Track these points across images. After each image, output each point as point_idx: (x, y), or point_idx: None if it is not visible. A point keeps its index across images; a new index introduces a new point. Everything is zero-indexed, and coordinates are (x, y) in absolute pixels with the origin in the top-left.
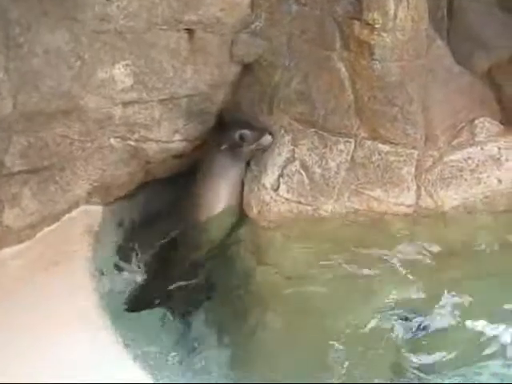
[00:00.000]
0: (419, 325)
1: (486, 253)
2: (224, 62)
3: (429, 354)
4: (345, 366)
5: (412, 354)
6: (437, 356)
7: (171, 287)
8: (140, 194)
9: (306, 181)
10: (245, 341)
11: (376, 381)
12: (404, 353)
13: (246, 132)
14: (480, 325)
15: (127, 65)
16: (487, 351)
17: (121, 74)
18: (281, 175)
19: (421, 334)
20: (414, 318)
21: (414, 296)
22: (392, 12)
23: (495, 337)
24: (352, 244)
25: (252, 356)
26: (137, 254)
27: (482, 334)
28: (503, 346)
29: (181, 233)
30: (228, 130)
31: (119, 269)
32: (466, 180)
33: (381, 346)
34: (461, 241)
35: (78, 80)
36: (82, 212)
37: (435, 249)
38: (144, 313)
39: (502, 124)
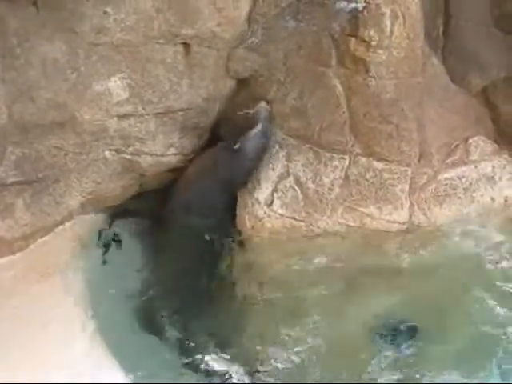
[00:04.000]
0: (407, 338)
1: (480, 269)
2: (220, 76)
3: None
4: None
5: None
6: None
7: (164, 297)
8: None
9: (300, 196)
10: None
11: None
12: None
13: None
14: (470, 334)
15: (123, 78)
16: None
17: (117, 86)
18: (275, 190)
19: (408, 349)
20: (405, 333)
21: (405, 310)
22: (388, 29)
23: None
24: (345, 260)
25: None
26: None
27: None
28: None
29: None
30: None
31: (112, 279)
32: (459, 198)
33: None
34: (452, 257)
35: (73, 92)
36: (75, 224)
37: (427, 265)
38: (137, 324)
39: (496, 143)
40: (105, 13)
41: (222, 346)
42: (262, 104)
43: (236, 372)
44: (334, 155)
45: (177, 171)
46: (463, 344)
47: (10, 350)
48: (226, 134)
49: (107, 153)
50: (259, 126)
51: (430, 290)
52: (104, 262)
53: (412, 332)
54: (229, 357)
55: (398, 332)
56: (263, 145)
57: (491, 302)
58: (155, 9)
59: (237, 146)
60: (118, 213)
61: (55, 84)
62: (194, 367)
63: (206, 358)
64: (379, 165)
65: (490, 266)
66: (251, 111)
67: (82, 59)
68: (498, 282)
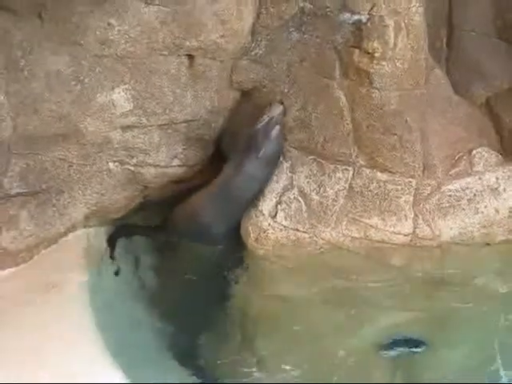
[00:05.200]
0: (412, 352)
1: (482, 282)
2: (224, 88)
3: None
4: None
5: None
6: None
7: (166, 310)
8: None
9: (304, 208)
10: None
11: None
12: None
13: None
14: (472, 351)
15: (127, 89)
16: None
17: (120, 98)
18: (279, 202)
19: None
20: (407, 345)
21: (409, 324)
22: (392, 41)
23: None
24: (349, 272)
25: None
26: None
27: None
28: None
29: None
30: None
31: (116, 292)
32: (463, 209)
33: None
34: (457, 271)
35: (77, 104)
36: (79, 235)
37: (432, 278)
38: (141, 336)
39: (500, 154)
40: (109, 24)
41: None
42: (278, 105)
43: None
44: (338, 167)
45: (181, 183)
46: (470, 359)
47: (13, 360)
48: (229, 146)
49: (111, 164)
50: (277, 128)
51: (436, 304)
52: (110, 272)
53: (419, 347)
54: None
55: (405, 347)
56: (282, 147)
57: (499, 315)
58: (159, 21)
59: (261, 154)
60: (121, 224)
61: (59, 96)
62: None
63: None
64: (383, 176)
65: (495, 279)
66: (266, 115)
67: (86, 71)
68: (504, 295)
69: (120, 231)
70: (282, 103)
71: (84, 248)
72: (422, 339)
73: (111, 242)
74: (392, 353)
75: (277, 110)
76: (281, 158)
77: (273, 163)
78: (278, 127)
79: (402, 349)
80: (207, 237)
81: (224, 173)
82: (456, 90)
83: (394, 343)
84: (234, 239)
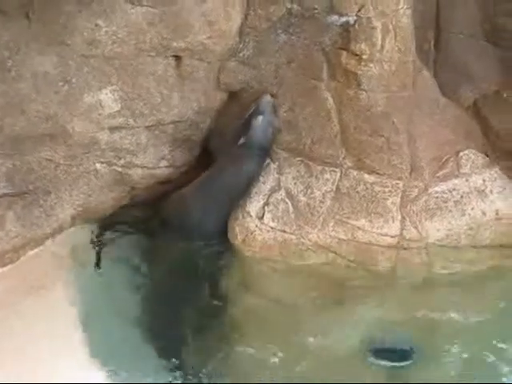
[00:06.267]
0: (401, 354)
1: (468, 284)
2: (211, 89)
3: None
4: None
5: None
6: None
7: (154, 310)
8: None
9: (291, 209)
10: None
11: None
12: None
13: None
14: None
15: (114, 90)
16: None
17: (108, 99)
18: (266, 203)
19: (402, 362)
20: (395, 347)
21: (396, 326)
22: (379, 43)
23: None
24: (335, 274)
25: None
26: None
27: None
28: None
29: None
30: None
31: (103, 293)
32: (450, 211)
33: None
34: (443, 272)
35: (65, 104)
36: (66, 236)
37: (419, 279)
38: (128, 336)
39: (487, 156)
40: (96, 25)
41: (213, 362)
42: (265, 96)
43: None
44: (326, 168)
45: (168, 184)
46: (458, 363)
47: (0, 361)
48: (216, 146)
49: (98, 165)
50: (259, 118)
51: (423, 305)
52: (97, 273)
53: (407, 352)
54: (220, 373)
55: (392, 351)
56: (271, 134)
57: (487, 318)
58: (147, 22)
59: (241, 141)
60: (107, 224)
61: (46, 96)
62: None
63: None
64: (370, 178)
65: (483, 281)
66: (253, 106)
67: (73, 71)
68: (494, 298)
69: (108, 224)
70: (272, 95)
71: (71, 249)
72: (409, 348)
73: (99, 237)
74: (378, 361)
75: (263, 100)
76: (268, 160)
77: (257, 154)
78: (260, 117)
79: (387, 360)
80: (196, 228)
81: (215, 163)
82: (443, 92)
83: (380, 351)
84: (221, 239)
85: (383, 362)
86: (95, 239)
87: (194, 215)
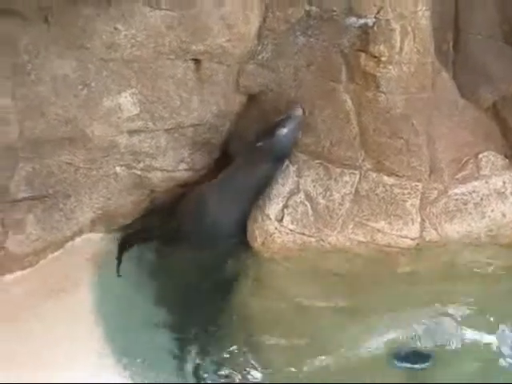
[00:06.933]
0: (420, 358)
1: (490, 286)
2: (230, 92)
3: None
4: None
5: None
6: None
7: (174, 314)
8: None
9: (310, 212)
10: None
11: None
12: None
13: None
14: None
15: (134, 93)
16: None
17: (127, 102)
18: (285, 206)
19: (421, 366)
20: (415, 353)
21: (416, 330)
22: (398, 45)
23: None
24: (355, 277)
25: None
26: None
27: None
28: None
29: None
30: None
31: (123, 296)
32: (470, 213)
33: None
34: (465, 274)
35: (84, 108)
36: (86, 239)
37: (440, 282)
38: (148, 339)
39: (506, 158)
40: (115, 29)
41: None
42: (298, 110)
43: None
44: (345, 170)
45: (187, 187)
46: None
47: (19, 364)
48: (235, 149)
49: (118, 168)
50: (284, 131)
51: (443, 307)
52: (117, 277)
53: (427, 355)
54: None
55: (414, 354)
56: (289, 149)
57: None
58: (166, 25)
59: (259, 144)
60: (127, 239)
61: (66, 100)
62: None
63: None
64: (390, 180)
65: (503, 283)
66: (283, 115)
67: (92, 75)
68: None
69: (128, 239)
70: (304, 109)
71: (91, 252)
72: (429, 352)
73: (120, 249)
74: (401, 365)
75: (295, 113)
76: (286, 162)
77: (272, 160)
78: (285, 130)
79: (409, 363)
80: (213, 229)
81: (232, 163)
82: (462, 93)
83: (403, 356)
84: (240, 241)
85: (406, 365)
86: (119, 246)
87: (211, 210)
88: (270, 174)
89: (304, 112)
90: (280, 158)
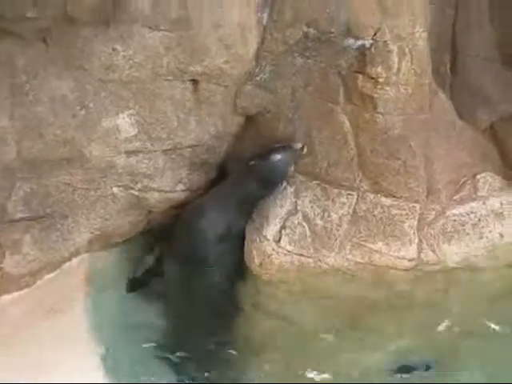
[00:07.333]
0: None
1: (491, 304)
2: (228, 113)
3: None
4: None
5: None
6: None
7: (171, 335)
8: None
9: (308, 233)
10: None
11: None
12: None
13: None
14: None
15: (131, 114)
16: None
17: (125, 123)
18: (283, 227)
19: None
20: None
21: (413, 350)
22: (396, 66)
23: None
24: (353, 297)
25: None
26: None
27: None
28: None
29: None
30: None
31: (119, 317)
32: (468, 234)
33: None
34: (461, 294)
35: (82, 128)
36: (82, 260)
37: (437, 301)
38: (144, 361)
39: (504, 179)
40: (114, 50)
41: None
42: (297, 145)
43: None
44: (342, 191)
45: (184, 206)
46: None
47: None
48: (231, 169)
49: (115, 189)
50: (277, 157)
51: (441, 327)
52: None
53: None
54: None
55: (414, 369)
56: (279, 177)
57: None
58: (164, 46)
59: (251, 163)
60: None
61: (64, 120)
62: None
63: None
64: (387, 201)
65: (502, 301)
66: (286, 143)
67: (90, 96)
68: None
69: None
70: (304, 145)
71: (87, 273)
72: (429, 361)
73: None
74: (399, 378)
75: (294, 147)
76: (284, 184)
77: (260, 183)
78: (278, 157)
79: (409, 374)
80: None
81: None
82: (460, 114)
83: (401, 368)
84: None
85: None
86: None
87: (198, 225)
88: (254, 194)
89: (303, 149)
90: (267, 182)
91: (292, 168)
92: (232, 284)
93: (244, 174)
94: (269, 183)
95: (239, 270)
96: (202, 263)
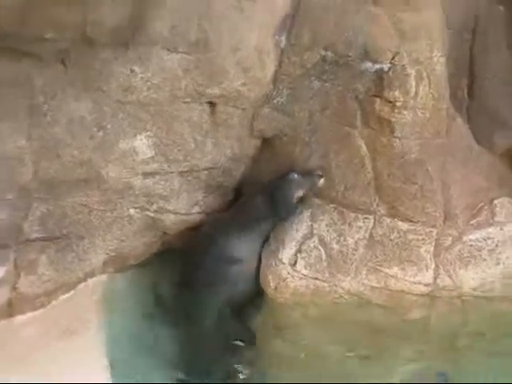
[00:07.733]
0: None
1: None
2: (245, 135)
3: None
4: None
5: None
6: None
7: (187, 357)
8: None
9: (324, 257)
10: None
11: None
12: None
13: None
14: None
15: (149, 136)
16: None
17: (142, 144)
18: (298, 251)
19: None
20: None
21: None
22: (413, 90)
23: None
24: (368, 322)
25: None
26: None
27: None
28: None
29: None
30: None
31: (134, 338)
32: (484, 260)
33: None
34: (479, 321)
35: (99, 150)
36: (97, 281)
37: (454, 327)
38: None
39: None
40: (132, 71)
41: None
42: (317, 176)
43: None
44: (359, 215)
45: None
46: None
47: None
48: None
49: (132, 210)
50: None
51: (457, 353)
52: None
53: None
54: None
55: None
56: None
57: None
58: (182, 68)
59: (268, 189)
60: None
61: (81, 141)
62: None
63: None
64: (404, 225)
65: None
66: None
67: (108, 117)
68: None
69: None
70: (322, 176)
71: (102, 294)
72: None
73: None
74: None
75: (315, 177)
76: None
77: (270, 207)
78: (293, 186)
79: None
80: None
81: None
82: (477, 139)
83: None
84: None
85: None
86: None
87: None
88: (260, 215)
89: (321, 177)
90: (276, 205)
91: (301, 194)
92: (247, 308)
93: (252, 197)
94: (279, 208)
95: (254, 293)
96: (214, 287)
